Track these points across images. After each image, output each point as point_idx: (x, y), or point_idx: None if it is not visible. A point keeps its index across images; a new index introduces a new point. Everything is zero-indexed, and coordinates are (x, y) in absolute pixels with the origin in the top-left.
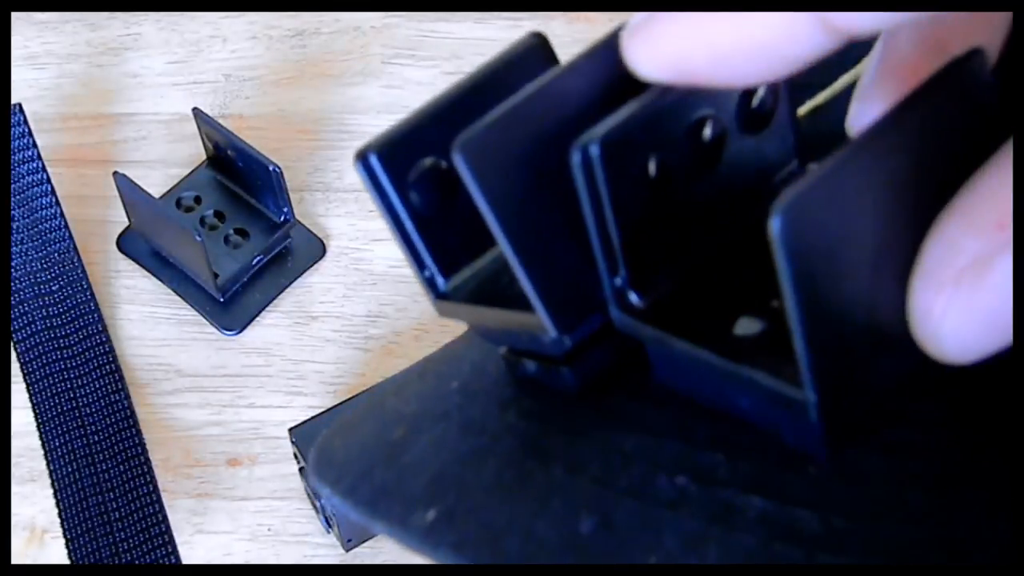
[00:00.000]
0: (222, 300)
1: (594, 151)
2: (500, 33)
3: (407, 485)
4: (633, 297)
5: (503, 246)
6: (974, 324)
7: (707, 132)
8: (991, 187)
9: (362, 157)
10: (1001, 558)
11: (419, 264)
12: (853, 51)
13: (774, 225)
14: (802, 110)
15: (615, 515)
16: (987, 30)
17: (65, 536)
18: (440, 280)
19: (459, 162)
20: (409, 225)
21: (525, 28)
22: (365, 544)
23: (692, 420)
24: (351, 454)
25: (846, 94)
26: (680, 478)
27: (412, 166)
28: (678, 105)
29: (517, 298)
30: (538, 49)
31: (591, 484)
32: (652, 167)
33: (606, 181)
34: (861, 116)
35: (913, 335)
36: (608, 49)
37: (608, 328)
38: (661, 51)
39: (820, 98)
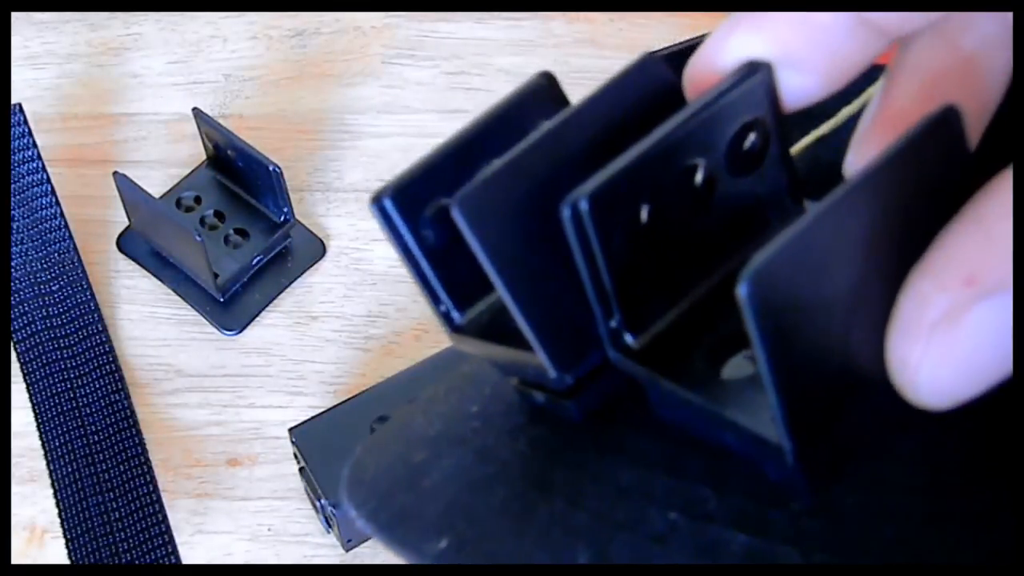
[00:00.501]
0: (222, 300)
1: (583, 206)
2: (500, 33)
3: (424, 511)
4: (628, 338)
5: (501, 294)
6: (948, 373)
7: (698, 178)
8: (958, 244)
9: (376, 201)
10: None
11: (435, 299)
12: (856, 83)
13: (741, 292)
14: (805, 140)
15: (610, 548)
16: (987, 83)
17: (65, 536)
18: (455, 314)
19: (457, 217)
20: (424, 263)
21: (525, 28)
22: (365, 544)
23: (686, 454)
24: (378, 475)
25: (848, 125)
26: (671, 513)
27: (425, 206)
28: (667, 153)
29: (522, 337)
30: (547, 89)
31: (589, 517)
32: (644, 214)
33: (596, 233)
34: (856, 162)
35: (892, 383)
36: (602, 100)
37: (609, 362)
38: (769, 30)
39: (823, 128)
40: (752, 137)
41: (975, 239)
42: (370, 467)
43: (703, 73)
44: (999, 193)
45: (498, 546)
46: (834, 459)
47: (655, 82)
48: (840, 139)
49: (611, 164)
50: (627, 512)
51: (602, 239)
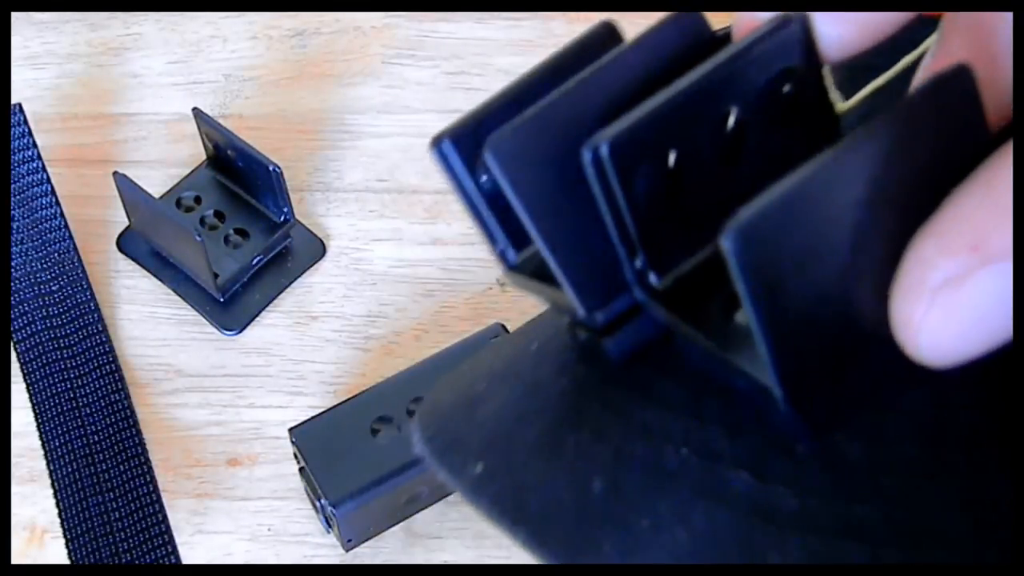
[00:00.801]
0: (222, 300)
1: (604, 151)
2: (500, 33)
3: (471, 438)
4: (653, 278)
5: (531, 233)
6: (948, 335)
7: (729, 123)
8: (966, 209)
9: (436, 144)
10: (965, 551)
11: (492, 239)
12: (915, 34)
13: (725, 244)
14: (863, 91)
15: (624, 480)
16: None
17: (65, 536)
18: (511, 253)
19: (489, 160)
20: (481, 205)
21: (526, 28)
22: (365, 544)
23: (708, 397)
24: (442, 404)
25: (906, 75)
26: (684, 450)
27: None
28: (696, 100)
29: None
30: (607, 36)
31: (610, 450)
32: (672, 159)
33: (618, 178)
34: None
35: (896, 340)
36: (638, 49)
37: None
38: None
39: (880, 80)
40: (787, 87)
41: (983, 206)
42: (440, 398)
43: (745, 23)
44: (1009, 161)
45: (526, 474)
46: (837, 408)
47: (691, 33)
48: (897, 90)
49: (636, 109)
50: (645, 448)
51: (624, 183)
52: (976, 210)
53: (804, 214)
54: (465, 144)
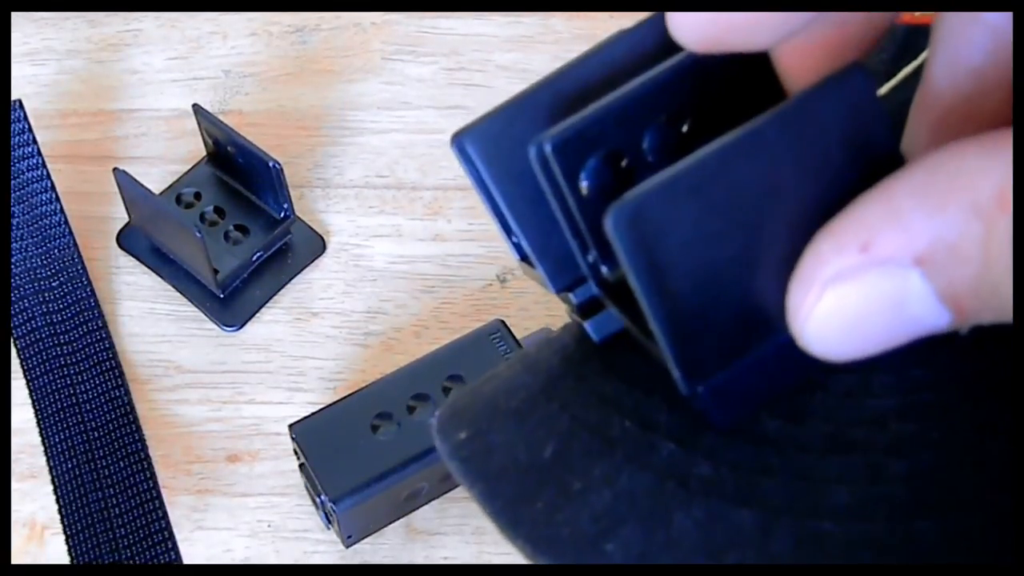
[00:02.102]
0: (222, 296)
1: (547, 148)
2: (500, 30)
3: (467, 410)
4: (605, 270)
5: (505, 215)
6: (834, 328)
7: (684, 128)
8: (862, 212)
9: (457, 142)
10: (851, 525)
11: (507, 231)
12: (917, 41)
13: (607, 224)
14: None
15: (571, 446)
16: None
17: (65, 533)
18: (524, 244)
19: (466, 150)
20: (501, 202)
21: (525, 24)
22: (365, 540)
23: (662, 375)
24: (464, 389)
25: (908, 83)
26: (627, 422)
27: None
28: (649, 99)
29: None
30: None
31: (569, 419)
32: (625, 159)
33: (564, 174)
34: (910, 138)
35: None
36: (613, 47)
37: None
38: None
39: (884, 89)
40: (738, 88)
41: (878, 210)
42: (472, 386)
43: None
44: (914, 173)
45: (498, 437)
46: (746, 391)
47: (666, 36)
48: (899, 99)
49: (587, 108)
50: (598, 418)
51: (570, 180)
52: (871, 214)
53: (692, 199)
54: (497, 141)
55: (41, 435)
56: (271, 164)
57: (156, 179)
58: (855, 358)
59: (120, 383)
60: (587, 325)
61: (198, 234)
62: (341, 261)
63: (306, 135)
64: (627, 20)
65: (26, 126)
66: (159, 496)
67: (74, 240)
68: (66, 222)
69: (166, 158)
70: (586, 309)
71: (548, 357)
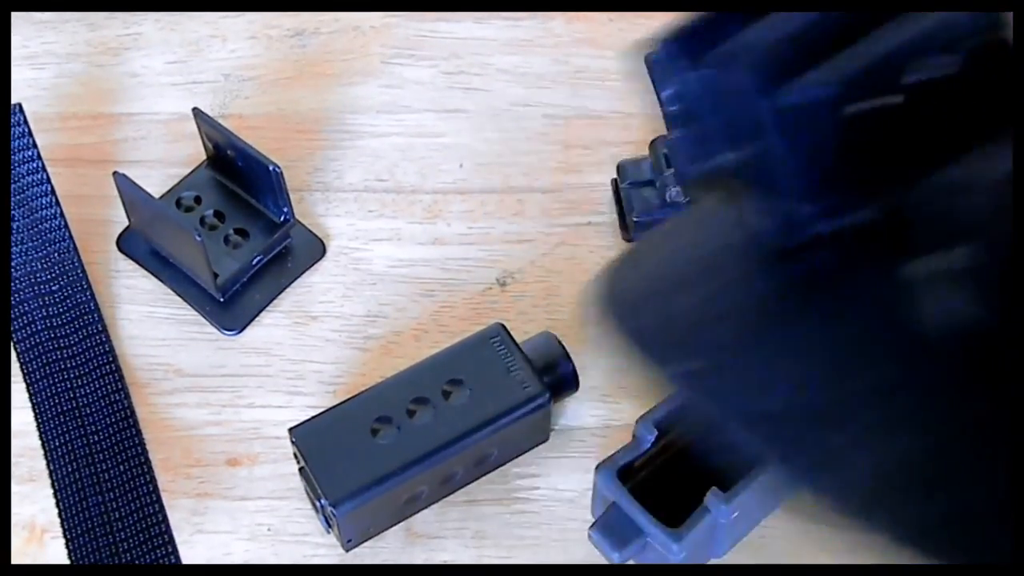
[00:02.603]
0: (222, 300)
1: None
2: (499, 33)
3: (668, 333)
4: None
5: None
6: None
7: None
8: None
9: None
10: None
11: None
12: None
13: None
14: None
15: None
16: None
17: (65, 536)
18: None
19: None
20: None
21: (524, 27)
22: (365, 544)
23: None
24: (632, 295)
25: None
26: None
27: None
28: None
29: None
30: None
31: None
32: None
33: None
34: None
35: None
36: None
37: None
38: None
39: None
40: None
41: None
42: (623, 280)
43: None
44: None
45: (748, 374)
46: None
47: None
48: None
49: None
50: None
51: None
52: None
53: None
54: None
55: (41, 438)
56: (271, 168)
57: (156, 182)
58: None
59: (120, 386)
60: (824, 254)
61: (198, 238)
62: (341, 265)
63: (306, 138)
64: (627, 21)
65: (26, 130)
66: (159, 499)
67: (74, 244)
68: (66, 226)
69: (166, 161)
70: (796, 249)
71: (736, 284)
